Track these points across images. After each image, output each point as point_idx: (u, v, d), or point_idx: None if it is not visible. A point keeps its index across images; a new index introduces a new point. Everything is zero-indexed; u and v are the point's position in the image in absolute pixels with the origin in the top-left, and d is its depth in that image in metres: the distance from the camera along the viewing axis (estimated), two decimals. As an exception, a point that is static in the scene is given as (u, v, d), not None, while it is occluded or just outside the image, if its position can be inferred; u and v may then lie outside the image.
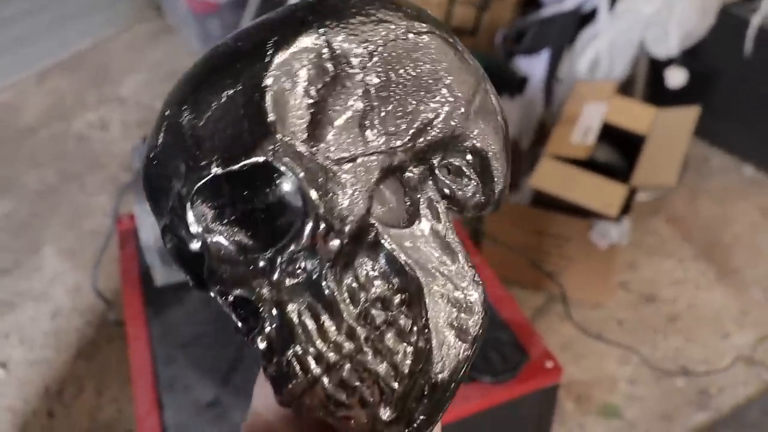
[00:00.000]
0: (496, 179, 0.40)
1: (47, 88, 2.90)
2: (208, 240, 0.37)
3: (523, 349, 1.14)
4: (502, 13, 2.31)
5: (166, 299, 1.24)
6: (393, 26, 0.38)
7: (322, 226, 0.35)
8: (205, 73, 0.37)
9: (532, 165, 1.86)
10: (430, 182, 0.39)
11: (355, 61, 0.36)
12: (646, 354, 1.72)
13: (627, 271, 1.94)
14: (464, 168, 0.39)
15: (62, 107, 2.78)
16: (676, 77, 2.13)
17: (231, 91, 0.36)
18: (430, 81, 0.38)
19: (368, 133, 0.36)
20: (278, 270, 0.36)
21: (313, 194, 0.35)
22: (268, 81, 0.35)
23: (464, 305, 0.38)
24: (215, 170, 0.35)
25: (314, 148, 0.35)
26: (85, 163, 2.47)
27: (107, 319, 1.81)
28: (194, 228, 0.36)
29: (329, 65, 0.36)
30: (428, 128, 0.38)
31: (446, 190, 0.39)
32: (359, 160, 0.36)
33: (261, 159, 0.35)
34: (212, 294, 0.39)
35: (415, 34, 0.38)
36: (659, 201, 2.13)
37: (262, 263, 0.36)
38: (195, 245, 0.37)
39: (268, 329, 0.36)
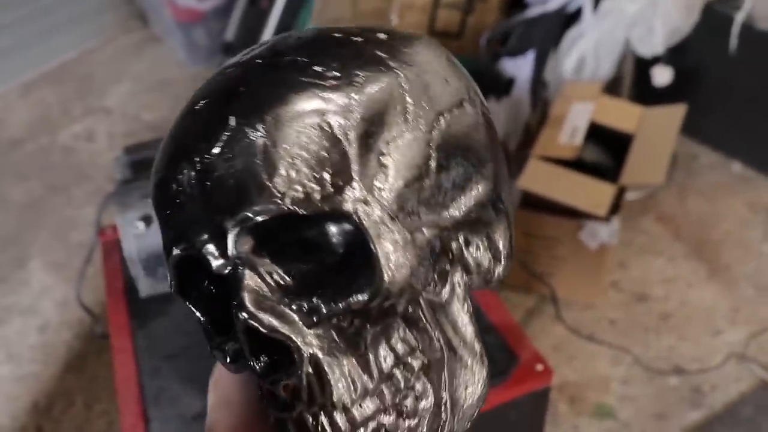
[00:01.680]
0: (503, 257, 0.40)
1: (32, 100, 2.88)
2: (240, 270, 0.34)
3: (513, 352, 1.13)
4: (486, 15, 2.31)
5: (150, 311, 1.22)
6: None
7: (384, 296, 0.35)
8: (279, 95, 0.34)
9: (519, 166, 1.85)
10: (457, 254, 0.39)
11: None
12: (638, 353, 1.72)
13: (618, 270, 1.93)
14: (480, 245, 0.39)
15: (48, 119, 2.77)
16: (662, 76, 2.14)
17: (313, 120, 0.34)
18: (481, 154, 0.39)
19: (443, 210, 0.37)
20: (324, 321, 0.35)
21: (384, 264, 0.34)
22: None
23: (474, 379, 0.39)
24: (285, 208, 0.33)
25: (393, 215, 0.35)
26: (71, 175, 2.45)
27: (94, 332, 1.79)
28: (231, 250, 0.34)
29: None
30: (478, 204, 0.38)
31: (471, 264, 0.39)
32: (425, 233, 0.36)
33: (345, 209, 0.33)
34: (192, 307, 0.38)
35: (470, 105, 0.38)
36: (648, 199, 2.13)
37: (306, 308, 0.35)
38: (221, 267, 0.34)
39: (296, 378, 0.34)
